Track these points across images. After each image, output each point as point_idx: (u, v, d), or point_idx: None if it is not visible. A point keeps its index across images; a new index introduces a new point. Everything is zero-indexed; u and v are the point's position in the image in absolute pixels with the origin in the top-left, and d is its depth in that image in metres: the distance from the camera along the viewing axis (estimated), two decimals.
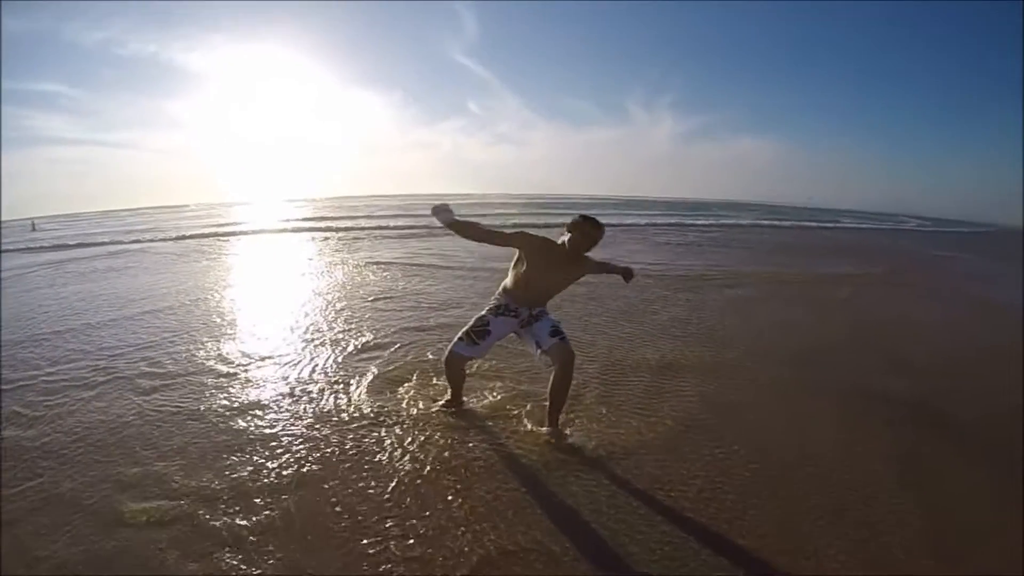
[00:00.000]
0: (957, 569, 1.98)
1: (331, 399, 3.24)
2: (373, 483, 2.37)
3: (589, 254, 2.81)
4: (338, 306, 5.75)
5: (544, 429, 2.80)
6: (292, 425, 2.91)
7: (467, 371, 3.12)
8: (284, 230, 18.38)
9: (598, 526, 2.11)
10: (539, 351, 2.78)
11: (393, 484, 2.36)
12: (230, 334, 4.72)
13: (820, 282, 8.42)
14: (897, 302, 7.17)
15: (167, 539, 2.00)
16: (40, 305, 6.25)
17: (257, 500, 2.24)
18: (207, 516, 2.13)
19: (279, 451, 2.64)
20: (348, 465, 2.51)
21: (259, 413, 3.06)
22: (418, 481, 2.39)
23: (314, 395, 3.30)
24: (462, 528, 2.08)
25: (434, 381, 3.46)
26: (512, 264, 2.83)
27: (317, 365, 3.85)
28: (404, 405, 3.14)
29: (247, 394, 3.34)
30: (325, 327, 4.87)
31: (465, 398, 3.14)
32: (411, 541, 2.01)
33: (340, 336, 4.55)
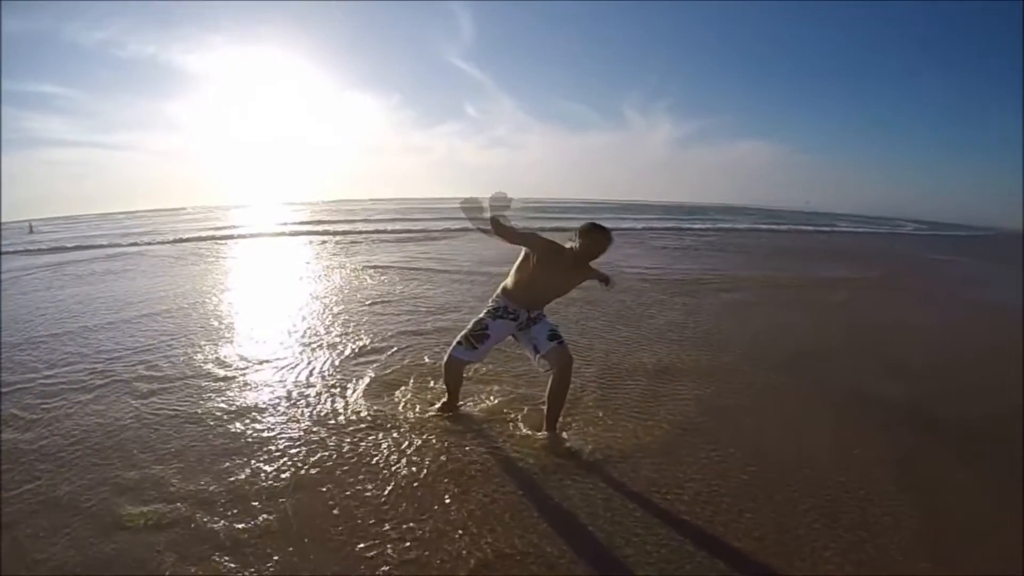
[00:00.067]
0: (954, 570, 1.99)
1: (328, 403, 3.24)
2: (370, 487, 2.38)
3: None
4: (335, 310, 5.76)
5: (541, 434, 2.81)
6: (289, 429, 2.92)
7: (465, 375, 3.13)
8: (282, 233, 18.40)
9: (595, 529, 2.12)
10: (537, 355, 2.78)
11: (390, 488, 2.37)
12: (227, 338, 4.73)
13: (817, 286, 8.47)
14: (893, 306, 7.20)
15: (165, 542, 2.01)
16: (38, 308, 6.24)
17: (255, 503, 2.25)
18: (205, 519, 2.13)
19: (276, 455, 2.65)
20: (345, 468, 2.52)
21: (256, 417, 3.07)
22: (415, 484, 2.40)
23: (311, 399, 3.31)
24: (459, 531, 2.09)
25: (431, 385, 3.47)
26: (516, 265, 2.81)
27: (314, 369, 3.85)
28: (401, 409, 3.14)
29: (244, 398, 3.35)
30: (322, 331, 4.87)
31: (462, 402, 3.15)
32: (408, 544, 2.01)
33: (337, 340, 4.56)
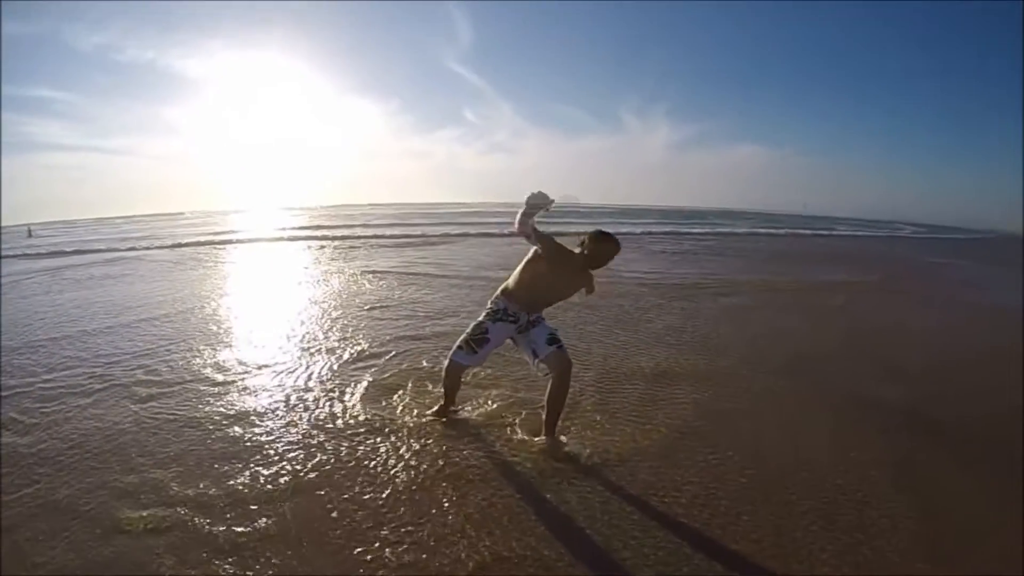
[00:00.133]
0: (951, 572, 1.99)
1: (327, 407, 3.25)
2: (368, 490, 2.38)
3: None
4: (334, 315, 5.77)
5: (539, 438, 2.81)
6: (288, 433, 2.92)
7: (464, 379, 3.14)
8: (280, 238, 18.42)
9: (592, 532, 2.13)
10: (536, 359, 2.80)
11: (388, 491, 2.37)
12: (226, 342, 4.73)
13: (815, 290, 8.49)
14: (892, 309, 7.23)
15: (164, 546, 2.01)
16: (36, 312, 6.25)
17: (253, 507, 2.25)
18: (204, 523, 2.14)
19: (275, 458, 2.65)
20: (343, 472, 2.53)
21: (255, 421, 3.07)
22: (413, 488, 2.41)
23: (310, 403, 3.31)
24: (458, 535, 2.09)
25: (429, 389, 3.47)
26: (522, 264, 2.80)
27: (313, 373, 3.86)
28: (399, 413, 3.15)
29: (243, 402, 3.35)
30: (321, 335, 4.88)
31: (461, 406, 3.16)
32: (406, 548, 2.01)
33: (336, 344, 4.57)
